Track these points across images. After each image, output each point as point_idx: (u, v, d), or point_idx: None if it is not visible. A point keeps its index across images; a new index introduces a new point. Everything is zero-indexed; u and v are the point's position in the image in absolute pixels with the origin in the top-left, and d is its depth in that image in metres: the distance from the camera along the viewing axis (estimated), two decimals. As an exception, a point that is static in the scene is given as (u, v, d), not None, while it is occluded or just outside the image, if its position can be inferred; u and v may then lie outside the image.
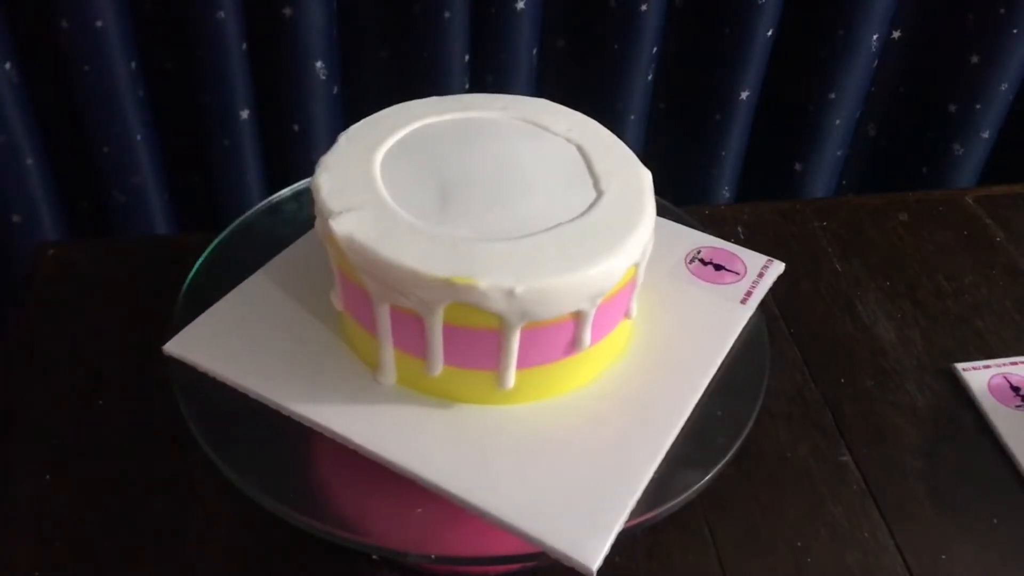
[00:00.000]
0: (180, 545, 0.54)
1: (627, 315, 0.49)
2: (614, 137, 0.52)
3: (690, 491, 0.44)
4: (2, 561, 0.52)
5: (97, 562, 0.53)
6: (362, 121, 0.52)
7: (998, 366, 0.67)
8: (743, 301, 0.54)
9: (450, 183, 0.47)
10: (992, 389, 0.65)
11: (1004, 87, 0.99)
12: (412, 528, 0.44)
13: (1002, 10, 0.94)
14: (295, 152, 0.92)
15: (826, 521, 0.57)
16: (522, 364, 0.45)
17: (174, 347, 0.49)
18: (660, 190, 0.59)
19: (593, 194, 0.47)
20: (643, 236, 0.46)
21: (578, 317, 0.44)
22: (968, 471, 0.60)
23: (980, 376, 0.66)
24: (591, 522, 0.42)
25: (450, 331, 0.44)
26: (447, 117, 0.53)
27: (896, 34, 1.00)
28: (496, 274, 0.42)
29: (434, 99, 0.54)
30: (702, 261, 0.57)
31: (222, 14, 0.83)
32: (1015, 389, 0.65)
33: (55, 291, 0.69)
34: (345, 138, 0.50)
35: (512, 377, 0.45)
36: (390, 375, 0.47)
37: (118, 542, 0.54)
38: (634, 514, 0.43)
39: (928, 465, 0.60)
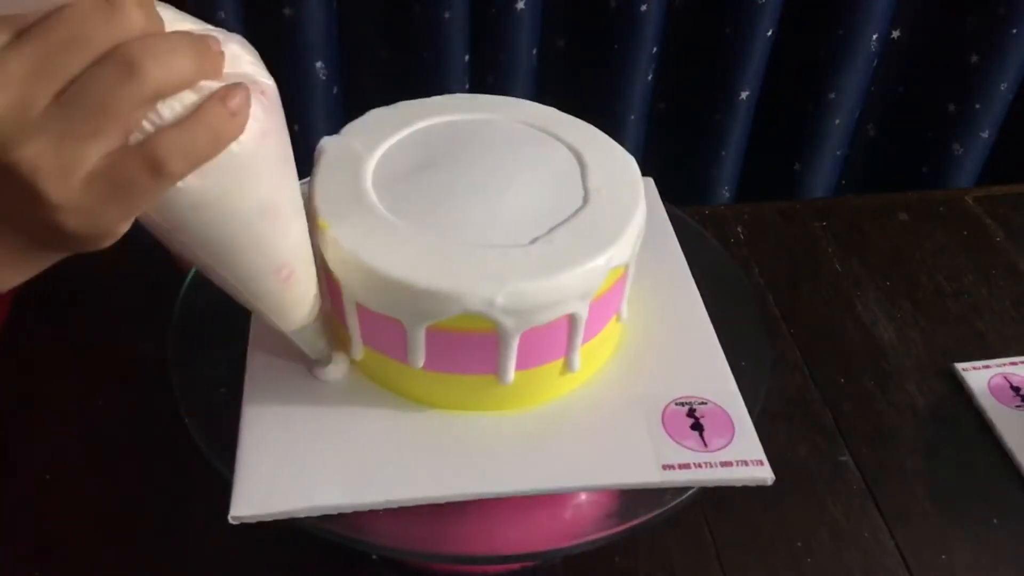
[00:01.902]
0: (180, 545, 0.54)
1: (569, 368, 0.47)
2: (631, 164, 0.51)
3: (690, 491, 0.44)
4: (2, 561, 0.52)
5: (97, 562, 0.53)
6: (397, 104, 0.53)
7: (998, 366, 0.67)
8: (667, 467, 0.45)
9: (431, 179, 0.48)
10: (992, 389, 0.65)
11: (1004, 87, 0.99)
12: (412, 528, 0.44)
13: (1002, 10, 0.94)
14: (295, 152, 0.92)
15: (826, 521, 0.57)
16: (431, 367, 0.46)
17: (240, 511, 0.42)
18: (660, 190, 0.59)
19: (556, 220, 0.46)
20: (577, 280, 0.43)
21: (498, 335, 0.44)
22: (968, 471, 0.60)
23: (980, 376, 0.66)
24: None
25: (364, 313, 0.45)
26: (467, 117, 0.53)
27: (896, 34, 1.00)
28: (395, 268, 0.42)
29: (467, 97, 0.54)
30: (691, 411, 0.47)
31: (222, 14, 0.83)
32: (1015, 389, 0.65)
33: (55, 291, 0.69)
34: (374, 115, 0.52)
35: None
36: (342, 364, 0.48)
37: (118, 542, 0.54)
38: (635, 514, 0.43)
39: (928, 465, 0.60)
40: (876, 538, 0.56)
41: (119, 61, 0.29)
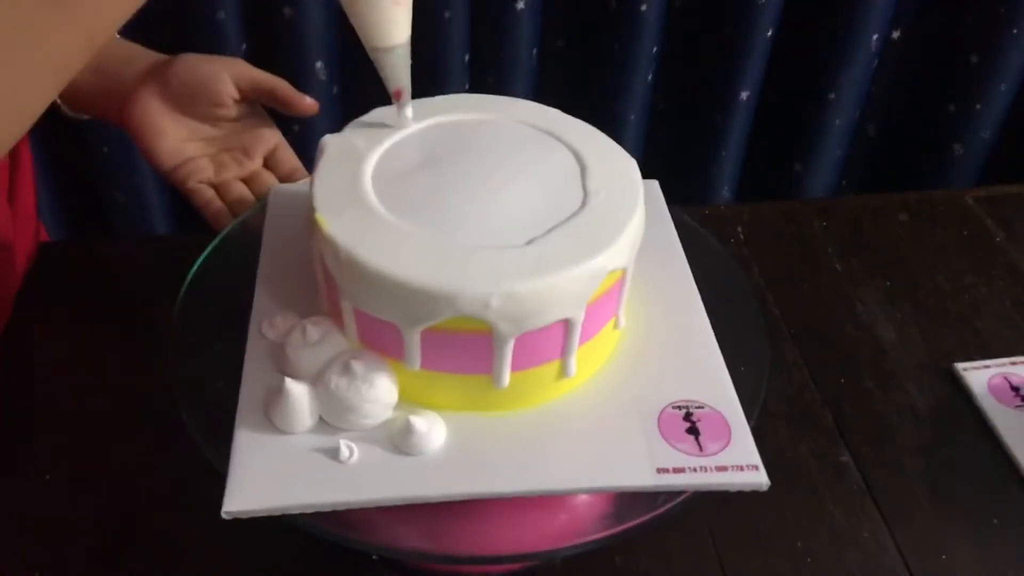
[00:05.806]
0: (180, 545, 0.54)
1: (565, 372, 0.47)
2: (629, 162, 0.51)
3: (690, 491, 0.44)
4: (2, 561, 0.52)
5: (97, 562, 0.53)
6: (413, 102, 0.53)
7: (998, 366, 0.67)
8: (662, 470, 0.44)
9: (429, 178, 0.48)
10: (992, 389, 0.65)
11: (1004, 87, 0.99)
12: (412, 528, 0.44)
13: (1002, 10, 0.95)
14: (295, 152, 0.92)
15: (826, 521, 0.57)
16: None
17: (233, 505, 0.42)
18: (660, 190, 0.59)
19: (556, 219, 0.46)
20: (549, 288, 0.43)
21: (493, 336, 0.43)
22: (968, 471, 0.60)
23: (980, 376, 0.66)
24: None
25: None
26: (469, 116, 0.52)
27: (896, 34, 1.00)
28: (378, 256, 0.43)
29: (469, 96, 0.54)
30: (687, 415, 0.47)
31: (222, 14, 0.83)
32: (1015, 389, 0.65)
33: (55, 291, 0.69)
34: (377, 113, 0.52)
35: None
36: None
37: (118, 542, 0.54)
38: (635, 515, 0.43)
39: (928, 465, 0.60)
40: (876, 538, 0.56)
41: None
